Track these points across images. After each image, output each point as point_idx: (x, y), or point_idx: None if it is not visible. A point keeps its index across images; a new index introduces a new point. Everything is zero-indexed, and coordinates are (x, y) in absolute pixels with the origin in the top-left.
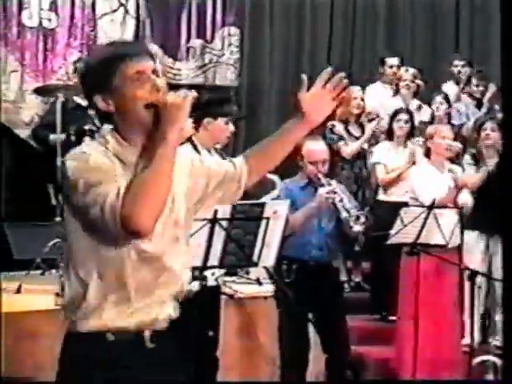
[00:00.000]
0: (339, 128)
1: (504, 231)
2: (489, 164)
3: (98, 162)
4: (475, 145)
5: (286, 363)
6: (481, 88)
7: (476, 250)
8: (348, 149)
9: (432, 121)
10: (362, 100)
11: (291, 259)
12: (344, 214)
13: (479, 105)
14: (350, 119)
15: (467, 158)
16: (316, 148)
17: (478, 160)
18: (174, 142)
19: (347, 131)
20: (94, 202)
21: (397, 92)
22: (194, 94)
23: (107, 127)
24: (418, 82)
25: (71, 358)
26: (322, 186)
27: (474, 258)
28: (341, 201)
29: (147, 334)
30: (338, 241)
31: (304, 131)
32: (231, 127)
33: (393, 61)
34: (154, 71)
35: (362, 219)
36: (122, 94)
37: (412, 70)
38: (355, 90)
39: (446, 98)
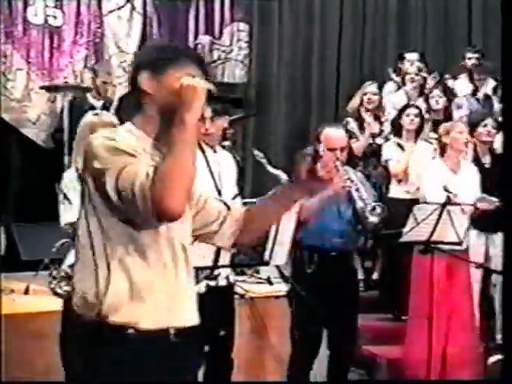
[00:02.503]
0: (353, 125)
1: (505, 230)
2: (482, 161)
3: (125, 141)
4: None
5: (293, 363)
6: (482, 81)
7: (477, 248)
8: (355, 147)
9: (429, 114)
10: (375, 95)
11: (312, 248)
12: (360, 204)
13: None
14: (365, 115)
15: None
16: (335, 135)
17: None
18: (192, 127)
19: (361, 128)
20: (124, 185)
21: (402, 85)
22: (209, 84)
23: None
24: (424, 74)
25: (90, 348)
26: (338, 173)
27: (478, 257)
28: (357, 190)
29: (172, 330)
30: (355, 229)
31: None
32: (222, 122)
33: (412, 56)
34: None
35: (378, 210)
36: (166, 85)
37: (417, 63)
38: (366, 85)
39: (445, 92)
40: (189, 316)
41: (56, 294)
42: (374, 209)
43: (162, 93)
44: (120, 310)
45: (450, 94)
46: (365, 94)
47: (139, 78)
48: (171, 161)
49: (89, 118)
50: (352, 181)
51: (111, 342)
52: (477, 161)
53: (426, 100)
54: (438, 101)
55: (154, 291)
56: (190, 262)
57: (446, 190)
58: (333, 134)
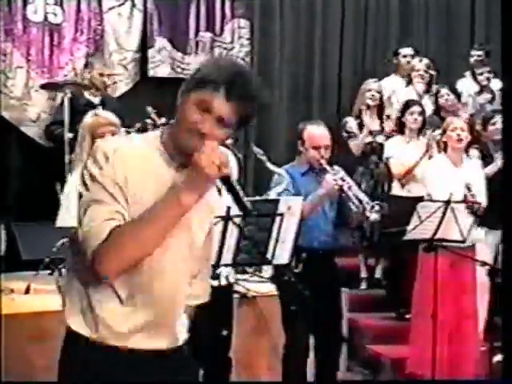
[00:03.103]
0: (351, 124)
1: (505, 229)
2: (496, 158)
3: (109, 173)
4: (480, 139)
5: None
6: (486, 75)
7: (485, 246)
8: (352, 146)
9: (436, 113)
10: (378, 92)
11: (300, 248)
12: (355, 202)
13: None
14: (366, 112)
15: (474, 153)
16: (318, 133)
17: (484, 155)
18: (185, 207)
19: (360, 126)
20: (82, 217)
21: (409, 82)
22: (233, 175)
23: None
24: (432, 72)
25: (77, 361)
26: (325, 172)
27: (486, 256)
28: (350, 188)
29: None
30: (339, 229)
31: None
32: None
33: (406, 51)
34: (221, 120)
35: (378, 208)
36: (181, 110)
37: (425, 60)
38: (369, 82)
39: (453, 90)
40: (169, 339)
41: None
42: (373, 207)
43: (179, 115)
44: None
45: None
46: (369, 90)
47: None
48: (143, 225)
49: (88, 119)
50: (344, 180)
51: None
52: (485, 158)
53: (436, 98)
54: (447, 99)
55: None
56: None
57: (467, 188)
58: (316, 132)
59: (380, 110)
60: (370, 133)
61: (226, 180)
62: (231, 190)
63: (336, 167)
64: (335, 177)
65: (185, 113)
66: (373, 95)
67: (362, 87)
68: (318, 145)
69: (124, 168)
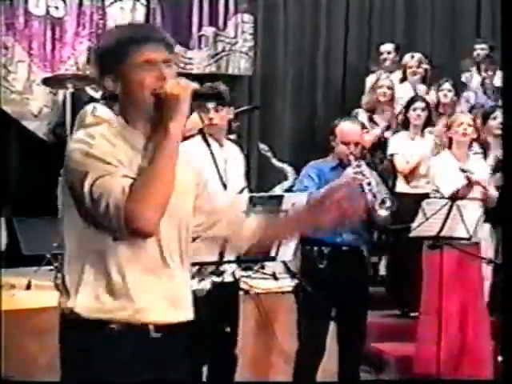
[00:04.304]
0: (362, 117)
1: (505, 227)
2: (496, 154)
3: (102, 149)
4: (480, 134)
5: (299, 361)
6: (490, 73)
7: (489, 243)
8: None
9: (437, 108)
10: (389, 88)
11: (322, 243)
12: (370, 198)
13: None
14: (378, 108)
15: (474, 148)
16: (350, 128)
17: (484, 150)
18: (175, 136)
19: (371, 120)
20: (99, 196)
21: (404, 79)
22: (194, 85)
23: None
24: (425, 66)
25: (72, 345)
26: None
27: (489, 252)
28: (368, 184)
29: (151, 326)
30: (364, 226)
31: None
32: (226, 112)
33: (387, 47)
34: (166, 61)
35: (388, 203)
36: (130, 79)
37: (417, 55)
38: (381, 78)
39: (455, 86)
40: (177, 313)
41: (59, 289)
42: (383, 202)
43: (130, 88)
44: (93, 307)
45: (460, 87)
46: (380, 86)
47: (105, 82)
48: (151, 176)
49: (85, 114)
50: (364, 175)
51: (85, 339)
52: (486, 153)
53: (437, 92)
54: (446, 94)
55: (136, 289)
56: (184, 262)
57: (463, 170)
58: (347, 128)
59: (390, 105)
60: (387, 128)
61: (195, 94)
62: (201, 95)
63: (361, 162)
64: (355, 170)
65: (137, 79)
66: (385, 92)
67: (373, 84)
68: (347, 140)
69: (109, 152)
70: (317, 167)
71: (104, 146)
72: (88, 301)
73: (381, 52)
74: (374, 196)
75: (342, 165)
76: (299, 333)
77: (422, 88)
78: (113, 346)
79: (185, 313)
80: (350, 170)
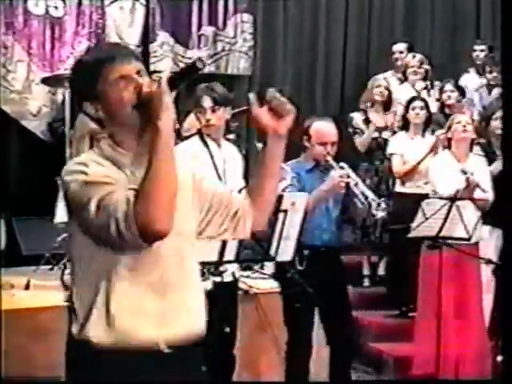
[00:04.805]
0: (357, 120)
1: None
2: (499, 155)
3: (98, 173)
4: (484, 134)
5: (289, 359)
6: (494, 74)
7: (489, 243)
8: (358, 142)
9: (442, 109)
10: (386, 89)
11: (303, 245)
12: (361, 199)
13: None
14: (375, 108)
15: (477, 149)
16: (326, 128)
17: (486, 151)
18: (166, 131)
19: (366, 122)
20: (106, 214)
21: (405, 79)
22: (166, 73)
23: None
24: (426, 66)
25: (81, 361)
26: (331, 168)
27: (489, 253)
28: (356, 185)
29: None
30: (342, 226)
31: (277, 144)
32: (223, 112)
33: (399, 46)
34: (139, 72)
35: (384, 205)
36: (108, 99)
37: (418, 56)
38: (378, 78)
39: (458, 86)
40: (186, 328)
41: (67, 287)
42: (379, 205)
43: (111, 108)
44: (101, 332)
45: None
46: (377, 86)
47: (85, 108)
48: (153, 175)
49: (85, 121)
50: (349, 176)
51: (97, 363)
52: (488, 154)
53: (440, 94)
54: (450, 95)
55: (139, 309)
56: (190, 271)
57: (463, 172)
58: (324, 128)
59: (387, 106)
60: (377, 129)
61: (172, 80)
62: (179, 76)
63: (342, 164)
64: (341, 173)
65: (116, 97)
66: (381, 91)
67: (369, 83)
68: (324, 141)
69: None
70: (293, 170)
71: (98, 170)
72: (100, 327)
73: (393, 51)
74: (366, 197)
75: (319, 167)
76: (287, 325)
77: (421, 85)
78: (125, 363)
79: (197, 324)
80: (334, 173)
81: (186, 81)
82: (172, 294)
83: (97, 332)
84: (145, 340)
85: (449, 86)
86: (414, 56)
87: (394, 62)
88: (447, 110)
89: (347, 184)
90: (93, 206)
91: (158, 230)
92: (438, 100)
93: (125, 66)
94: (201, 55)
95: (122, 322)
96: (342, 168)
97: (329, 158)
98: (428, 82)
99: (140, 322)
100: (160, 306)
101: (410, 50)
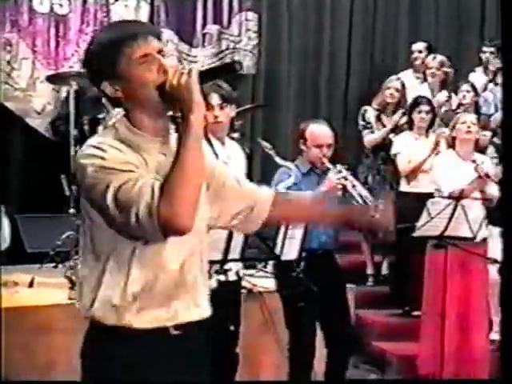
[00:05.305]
0: (370, 115)
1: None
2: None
3: (116, 159)
4: (497, 136)
5: (293, 359)
6: (499, 73)
7: (495, 244)
8: (367, 139)
9: (458, 109)
10: (397, 91)
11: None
12: (359, 201)
13: None
14: (387, 108)
15: (491, 150)
16: (321, 131)
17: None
18: (197, 126)
19: (379, 119)
20: (125, 204)
21: (424, 80)
22: (196, 67)
23: (115, 113)
24: (446, 69)
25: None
26: (327, 171)
27: (495, 253)
28: (354, 187)
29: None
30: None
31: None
32: (230, 110)
33: (418, 46)
34: (161, 51)
35: (382, 207)
36: (130, 79)
37: (439, 58)
38: (392, 79)
39: (473, 87)
40: (194, 311)
41: (73, 282)
42: (376, 206)
43: (131, 88)
44: (110, 313)
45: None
46: (388, 88)
47: (103, 88)
48: (180, 169)
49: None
50: (347, 179)
51: (107, 344)
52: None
53: (455, 93)
54: (465, 95)
55: (151, 291)
56: (202, 258)
57: (472, 161)
58: (319, 131)
59: (396, 107)
60: (392, 131)
61: (204, 74)
62: (212, 72)
63: (339, 166)
64: (338, 176)
65: (138, 77)
66: (391, 93)
67: (383, 84)
68: (320, 143)
69: (123, 159)
70: (289, 173)
71: (116, 155)
72: (106, 306)
73: (412, 51)
74: (364, 199)
75: (315, 170)
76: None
77: (442, 94)
78: (132, 345)
79: (203, 310)
80: (332, 175)
81: (217, 78)
82: (183, 286)
83: (103, 312)
84: (153, 321)
85: (465, 87)
86: (435, 58)
87: (413, 61)
88: (462, 109)
89: (344, 186)
90: (111, 193)
91: (182, 227)
92: (458, 106)
93: (147, 44)
94: (205, 54)
95: (130, 303)
96: (338, 170)
97: (325, 161)
98: (447, 93)
99: (149, 303)
100: (170, 291)
101: (429, 49)
